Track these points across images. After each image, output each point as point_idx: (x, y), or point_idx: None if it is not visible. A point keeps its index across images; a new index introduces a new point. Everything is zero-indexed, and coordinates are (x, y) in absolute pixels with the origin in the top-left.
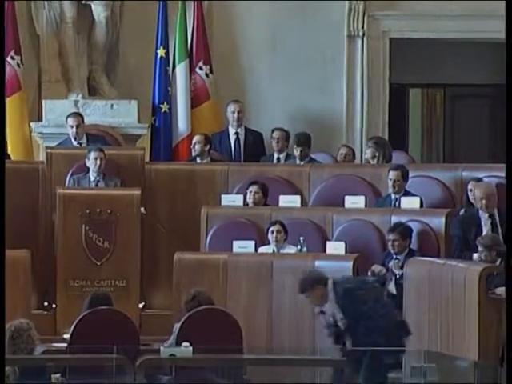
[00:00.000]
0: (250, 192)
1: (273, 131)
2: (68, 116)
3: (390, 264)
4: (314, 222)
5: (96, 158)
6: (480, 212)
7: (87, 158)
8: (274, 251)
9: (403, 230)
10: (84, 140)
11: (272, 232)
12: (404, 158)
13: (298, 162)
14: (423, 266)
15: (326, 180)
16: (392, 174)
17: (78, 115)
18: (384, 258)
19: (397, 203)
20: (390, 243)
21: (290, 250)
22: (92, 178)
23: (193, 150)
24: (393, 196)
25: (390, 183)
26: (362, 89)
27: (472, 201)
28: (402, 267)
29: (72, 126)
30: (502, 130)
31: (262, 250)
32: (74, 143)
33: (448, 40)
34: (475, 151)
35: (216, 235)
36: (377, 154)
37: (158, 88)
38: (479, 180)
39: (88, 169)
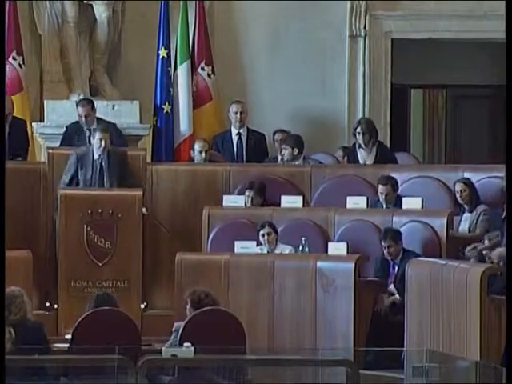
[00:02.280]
0: (248, 196)
1: (274, 134)
2: (77, 103)
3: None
4: (316, 222)
5: (101, 139)
6: None
7: (92, 137)
8: (268, 253)
9: (394, 235)
10: (94, 125)
11: (263, 235)
12: (406, 159)
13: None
14: (425, 266)
15: (327, 180)
16: (382, 189)
17: (87, 103)
18: (379, 264)
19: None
20: (385, 250)
21: (284, 249)
22: (96, 156)
23: (199, 156)
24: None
25: (381, 197)
26: (364, 89)
27: (460, 201)
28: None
29: (81, 116)
30: (503, 131)
31: (255, 250)
32: (85, 128)
33: (450, 40)
34: (477, 152)
35: (217, 236)
36: (369, 138)
37: (159, 88)
38: (466, 180)
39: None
